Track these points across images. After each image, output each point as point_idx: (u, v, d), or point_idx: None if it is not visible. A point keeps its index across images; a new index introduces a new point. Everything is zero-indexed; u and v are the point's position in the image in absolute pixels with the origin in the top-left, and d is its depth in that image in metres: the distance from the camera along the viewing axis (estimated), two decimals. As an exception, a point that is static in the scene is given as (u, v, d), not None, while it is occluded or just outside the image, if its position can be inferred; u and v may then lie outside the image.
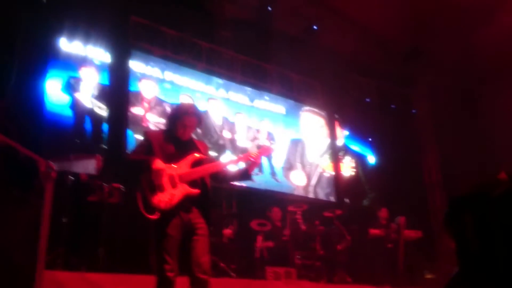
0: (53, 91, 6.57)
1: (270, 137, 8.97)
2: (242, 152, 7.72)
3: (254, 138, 8.77)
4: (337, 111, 10.25)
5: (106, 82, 7.23)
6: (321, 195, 9.32)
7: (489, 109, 8.38)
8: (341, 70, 10.00)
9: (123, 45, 7.53)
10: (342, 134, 10.31)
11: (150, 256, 3.81)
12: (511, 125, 7.96)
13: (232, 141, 8.45)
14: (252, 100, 9.01)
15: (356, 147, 10.55)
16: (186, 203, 3.30)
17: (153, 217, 3.17)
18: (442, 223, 2.02)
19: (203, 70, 8.49)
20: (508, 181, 1.74)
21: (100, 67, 7.24)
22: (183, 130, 3.47)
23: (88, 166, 5.69)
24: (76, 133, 6.78)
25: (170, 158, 3.36)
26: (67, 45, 6.94)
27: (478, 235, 1.69)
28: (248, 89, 9.04)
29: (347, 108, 10.43)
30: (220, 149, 8.22)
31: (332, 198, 9.44)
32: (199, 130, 7.45)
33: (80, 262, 4.96)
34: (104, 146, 6.87)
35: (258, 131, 8.87)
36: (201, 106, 7.73)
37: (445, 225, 1.82)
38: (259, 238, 6.72)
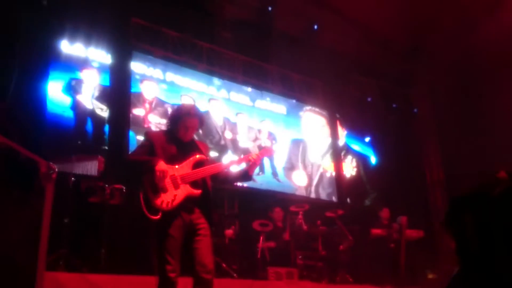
0: (55, 92, 6.59)
1: (271, 137, 8.97)
2: (243, 153, 7.72)
3: (256, 139, 8.76)
4: (338, 110, 10.25)
5: (107, 83, 7.24)
6: (323, 195, 9.31)
7: (490, 108, 8.35)
8: (342, 69, 9.98)
9: (124, 46, 7.53)
10: (343, 134, 10.31)
11: (152, 257, 3.82)
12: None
13: (234, 142, 8.45)
14: (253, 100, 9.01)
15: (357, 146, 10.54)
16: (188, 203, 3.30)
17: (156, 218, 3.17)
18: (442, 223, 2.02)
19: (204, 71, 8.49)
20: (508, 180, 1.74)
21: (101, 69, 7.25)
22: (185, 131, 3.47)
23: (90, 167, 5.71)
24: (78, 134, 6.80)
25: (172, 159, 3.36)
26: (68, 46, 6.96)
27: (478, 235, 1.69)
28: (249, 89, 9.05)
29: (348, 107, 10.44)
30: (222, 149, 8.22)
31: (333, 198, 9.42)
32: (200, 131, 7.46)
33: (82, 263, 4.97)
34: (106, 148, 6.88)
35: (259, 131, 8.87)
36: (202, 106, 7.73)
37: (445, 225, 1.82)
38: (261, 239, 6.73)
